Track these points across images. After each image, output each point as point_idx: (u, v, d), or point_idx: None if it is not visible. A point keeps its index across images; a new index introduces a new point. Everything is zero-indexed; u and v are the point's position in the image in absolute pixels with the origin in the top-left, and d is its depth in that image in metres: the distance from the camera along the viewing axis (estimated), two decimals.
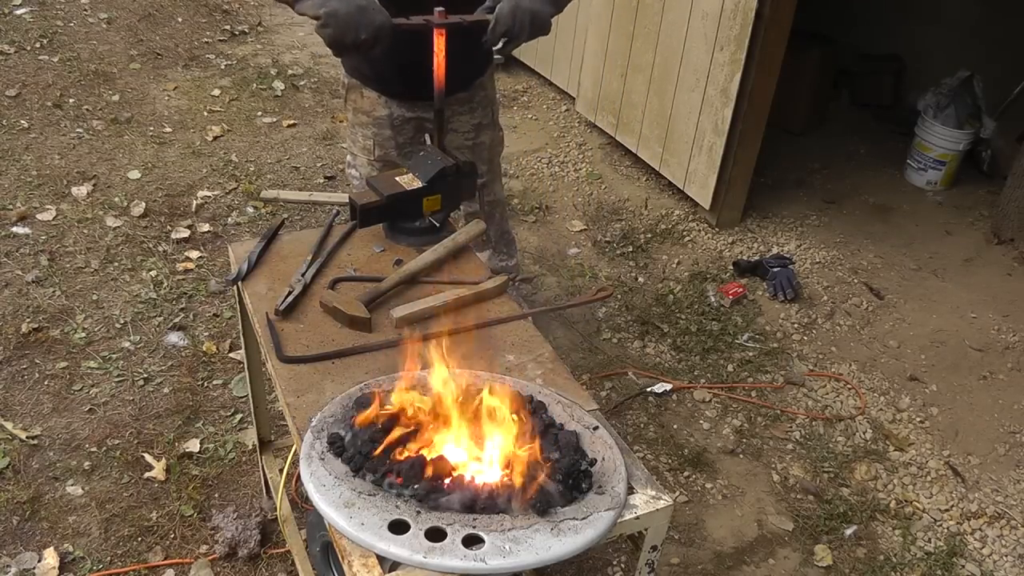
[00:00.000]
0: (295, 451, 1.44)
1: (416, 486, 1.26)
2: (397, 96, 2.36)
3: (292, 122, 4.42)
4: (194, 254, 3.37)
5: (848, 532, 2.52)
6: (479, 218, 2.68)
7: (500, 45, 1.93)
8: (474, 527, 1.20)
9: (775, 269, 3.49)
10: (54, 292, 3.10)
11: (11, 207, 3.51)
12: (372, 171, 2.47)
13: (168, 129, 4.23)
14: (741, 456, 2.76)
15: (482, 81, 2.47)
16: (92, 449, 2.54)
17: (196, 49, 5.08)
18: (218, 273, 3.29)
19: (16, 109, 4.22)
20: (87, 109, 4.31)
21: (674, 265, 3.62)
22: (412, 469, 1.28)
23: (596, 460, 1.34)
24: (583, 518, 1.24)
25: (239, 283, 1.77)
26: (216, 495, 2.44)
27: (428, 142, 2.07)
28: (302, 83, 4.83)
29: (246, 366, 2.12)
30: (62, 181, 3.71)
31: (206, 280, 3.25)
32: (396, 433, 1.34)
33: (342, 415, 1.40)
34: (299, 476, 1.32)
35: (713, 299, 3.42)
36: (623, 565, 2.36)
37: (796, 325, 3.34)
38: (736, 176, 3.73)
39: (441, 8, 1.84)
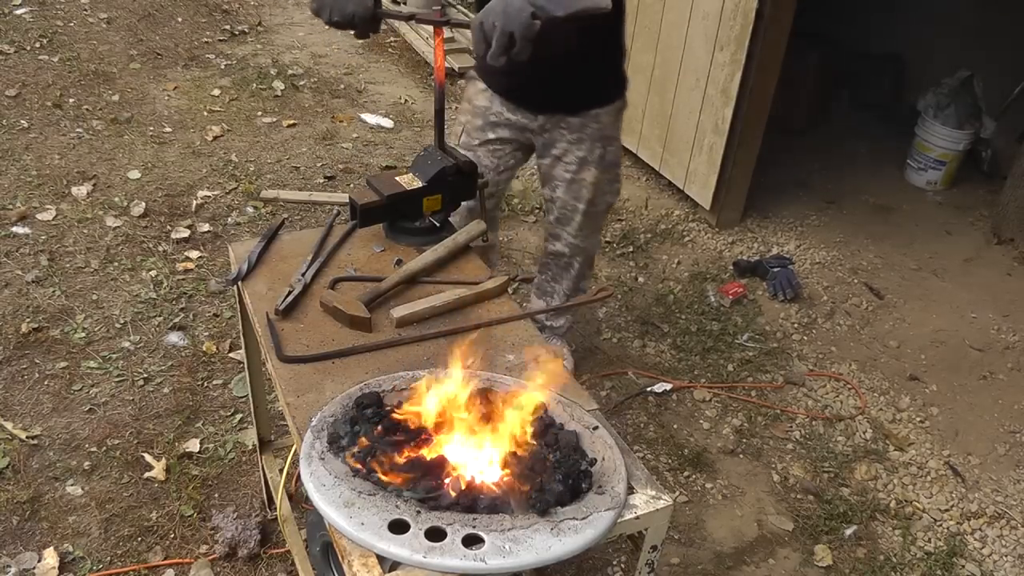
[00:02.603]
0: (295, 451, 1.44)
1: (416, 486, 1.26)
2: (499, 93, 2.35)
3: (292, 122, 4.42)
4: (194, 254, 3.37)
5: (848, 532, 2.52)
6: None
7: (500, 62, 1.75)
8: (474, 527, 1.20)
9: (775, 269, 3.49)
10: (54, 292, 3.10)
11: (11, 207, 3.51)
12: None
13: (168, 129, 4.23)
14: (741, 456, 2.76)
15: (598, 113, 2.34)
16: (92, 449, 2.54)
17: (196, 49, 5.08)
18: (218, 273, 3.29)
19: (16, 109, 4.22)
20: (87, 109, 4.31)
21: (674, 265, 3.62)
22: (412, 469, 1.28)
23: (596, 460, 1.34)
24: (583, 518, 1.23)
25: (239, 283, 1.77)
26: (216, 495, 2.44)
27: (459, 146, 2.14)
28: (302, 83, 4.83)
29: (246, 366, 2.12)
30: (62, 181, 3.71)
31: (206, 280, 3.25)
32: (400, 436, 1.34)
33: (342, 415, 1.40)
34: (299, 476, 1.32)
35: (713, 299, 3.42)
36: (623, 565, 2.36)
37: (796, 325, 3.34)
38: (736, 176, 3.73)
39: (439, 7, 1.84)
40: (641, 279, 3.52)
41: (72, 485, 2.43)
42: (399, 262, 1.83)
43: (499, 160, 2.45)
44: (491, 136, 2.40)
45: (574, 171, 2.41)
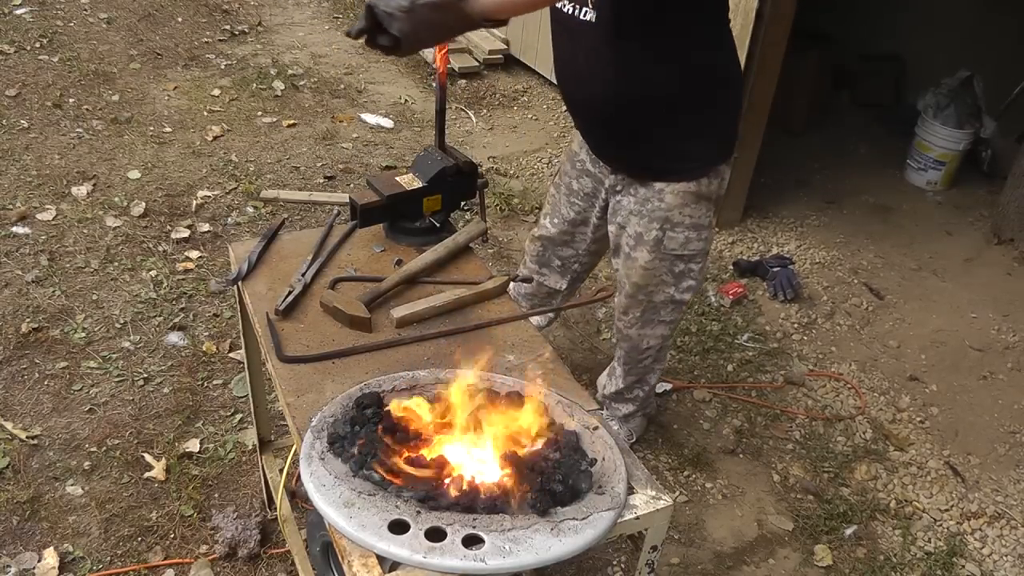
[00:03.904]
0: (295, 451, 1.44)
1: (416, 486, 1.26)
2: (580, 132, 2.21)
3: (292, 122, 4.42)
4: (194, 254, 3.37)
5: (848, 532, 2.52)
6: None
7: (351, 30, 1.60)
8: (474, 527, 1.20)
9: (775, 269, 3.49)
10: (54, 292, 3.09)
11: (11, 207, 3.50)
12: (553, 190, 2.38)
13: (168, 129, 4.23)
14: (741, 456, 2.76)
15: (662, 190, 2.04)
16: (92, 449, 2.54)
17: (196, 49, 5.08)
18: (218, 273, 3.28)
19: (16, 109, 4.22)
20: (87, 109, 4.31)
21: None
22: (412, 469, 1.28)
23: (596, 460, 1.34)
24: (583, 518, 1.23)
25: (239, 283, 1.77)
26: (216, 495, 2.44)
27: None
28: (302, 83, 4.83)
29: (246, 366, 2.12)
30: (62, 181, 3.71)
31: (206, 280, 3.25)
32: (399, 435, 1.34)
33: (342, 415, 1.40)
34: (299, 476, 1.32)
35: (713, 299, 3.42)
36: (623, 565, 2.36)
37: (796, 325, 3.34)
38: (736, 176, 3.71)
39: None
40: None
41: (72, 485, 2.43)
42: (399, 262, 1.83)
43: (576, 215, 2.31)
44: (575, 186, 2.27)
45: (632, 246, 2.16)
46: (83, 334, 2.93)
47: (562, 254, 2.44)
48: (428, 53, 5.08)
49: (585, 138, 2.19)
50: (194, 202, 3.67)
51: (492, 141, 4.49)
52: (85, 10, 5.34)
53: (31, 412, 2.64)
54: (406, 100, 4.80)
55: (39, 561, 2.22)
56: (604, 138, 2.11)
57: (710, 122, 2.03)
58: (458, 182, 1.91)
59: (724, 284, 3.49)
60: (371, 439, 1.32)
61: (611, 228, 2.23)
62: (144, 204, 3.61)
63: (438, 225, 1.90)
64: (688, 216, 2.07)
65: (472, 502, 1.24)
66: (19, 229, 3.39)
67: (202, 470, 2.51)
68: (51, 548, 2.25)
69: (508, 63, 5.21)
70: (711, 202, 2.10)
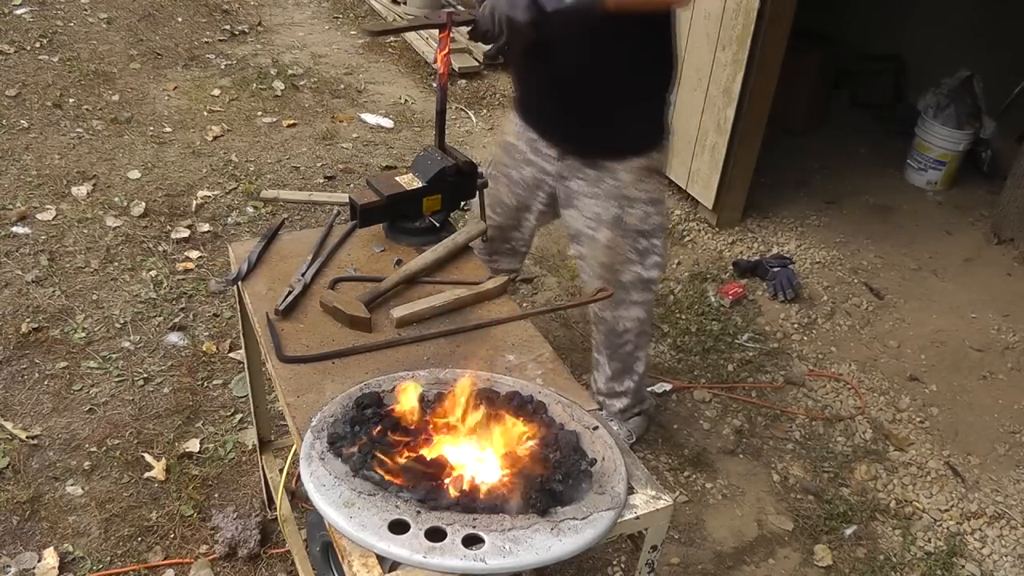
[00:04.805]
0: (295, 451, 1.44)
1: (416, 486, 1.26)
2: (522, 118, 2.22)
3: (292, 122, 4.42)
4: (194, 254, 3.37)
5: (848, 532, 2.52)
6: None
7: (489, 50, 1.83)
8: (474, 527, 1.20)
9: (775, 269, 3.49)
10: (54, 292, 3.09)
11: (11, 207, 3.50)
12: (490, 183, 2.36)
13: (168, 129, 4.23)
14: (741, 456, 2.76)
15: (615, 168, 2.10)
16: (92, 449, 2.54)
17: (196, 49, 5.08)
18: (218, 273, 3.29)
19: (16, 109, 4.22)
20: (87, 109, 4.31)
21: (674, 265, 3.62)
22: (412, 469, 1.28)
23: (596, 460, 1.34)
24: (583, 518, 1.24)
25: (239, 283, 1.77)
26: (216, 495, 2.44)
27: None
28: (302, 83, 4.83)
29: (246, 366, 2.12)
30: (62, 181, 3.71)
31: (206, 280, 3.25)
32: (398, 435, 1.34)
33: (342, 415, 1.40)
34: (299, 476, 1.32)
35: (713, 299, 3.42)
36: (623, 565, 2.36)
37: (796, 325, 3.34)
38: (736, 176, 3.72)
39: (450, 10, 1.84)
40: None
41: (72, 485, 2.43)
42: (399, 262, 1.83)
43: (519, 202, 2.32)
44: (515, 175, 2.29)
45: (593, 228, 2.19)
46: (83, 334, 2.93)
47: (511, 236, 2.46)
48: (428, 53, 5.08)
49: (535, 121, 2.19)
50: (194, 202, 3.67)
51: (492, 141, 4.49)
52: (85, 10, 5.34)
53: (31, 412, 2.64)
54: (406, 100, 4.80)
55: (39, 561, 2.22)
56: (570, 126, 2.11)
57: (659, 100, 2.12)
58: (458, 182, 1.91)
59: (724, 284, 3.49)
60: (371, 439, 1.32)
61: (567, 213, 2.25)
62: (144, 204, 3.61)
63: (438, 225, 1.90)
64: (644, 191, 2.14)
65: (472, 502, 1.24)
66: (19, 229, 3.39)
67: (202, 470, 2.51)
68: (51, 548, 2.25)
69: (508, 63, 5.20)
70: (661, 175, 2.19)
